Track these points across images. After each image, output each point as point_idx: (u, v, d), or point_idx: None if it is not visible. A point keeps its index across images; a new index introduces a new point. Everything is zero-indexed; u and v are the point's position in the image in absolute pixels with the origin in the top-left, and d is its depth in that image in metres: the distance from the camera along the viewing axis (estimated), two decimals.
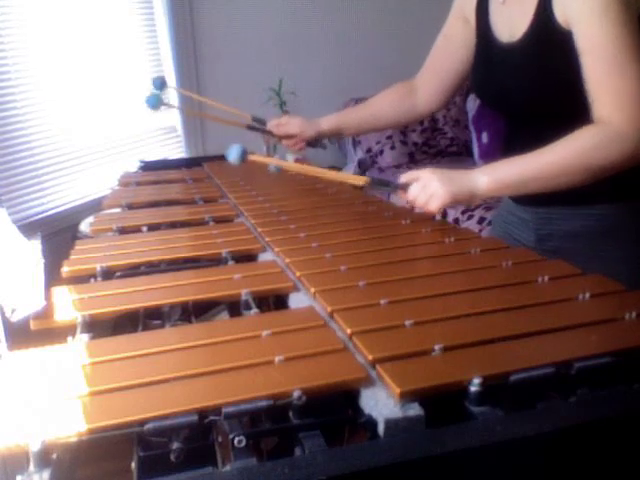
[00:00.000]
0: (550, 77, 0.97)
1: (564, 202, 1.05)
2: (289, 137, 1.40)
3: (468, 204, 0.98)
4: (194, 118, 3.09)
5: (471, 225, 2.34)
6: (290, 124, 1.38)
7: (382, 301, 0.76)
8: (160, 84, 1.53)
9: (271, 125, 1.42)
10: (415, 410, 0.55)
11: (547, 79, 0.97)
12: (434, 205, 0.98)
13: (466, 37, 1.15)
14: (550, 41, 0.95)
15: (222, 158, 1.91)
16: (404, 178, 1.04)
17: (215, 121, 1.67)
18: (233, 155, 1.11)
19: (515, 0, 1.01)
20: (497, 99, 1.10)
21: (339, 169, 3.25)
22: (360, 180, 1.09)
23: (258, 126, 1.46)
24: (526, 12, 0.97)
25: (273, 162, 1.35)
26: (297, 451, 0.55)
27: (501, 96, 1.07)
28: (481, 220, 2.37)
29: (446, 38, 1.20)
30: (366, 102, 1.37)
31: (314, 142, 1.42)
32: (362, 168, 3.25)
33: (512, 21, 1.01)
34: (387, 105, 1.32)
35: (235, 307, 0.84)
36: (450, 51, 1.19)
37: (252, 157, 1.14)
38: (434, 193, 0.97)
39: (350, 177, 1.21)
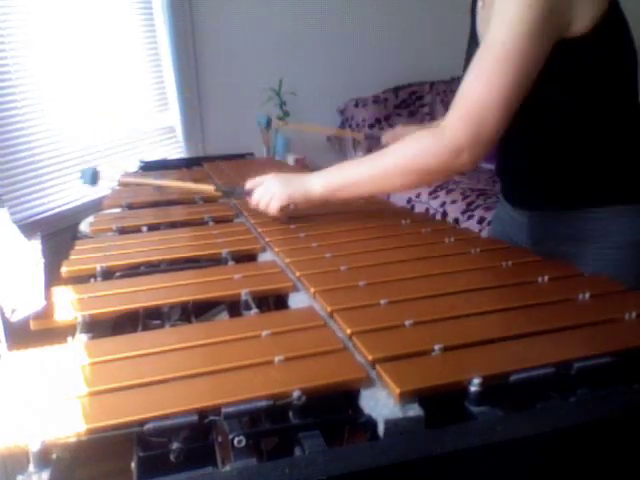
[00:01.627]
0: None
1: (557, 205, 1.05)
2: None
3: (306, 205, 1.06)
4: (193, 117, 3.09)
5: (471, 225, 2.34)
6: (405, 133, 1.31)
7: (382, 301, 0.76)
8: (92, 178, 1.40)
9: (387, 137, 1.39)
10: (415, 410, 0.55)
11: None
12: (274, 206, 1.06)
13: None
14: None
15: (222, 158, 1.93)
16: (249, 184, 1.12)
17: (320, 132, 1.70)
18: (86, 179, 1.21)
19: (490, 4, 0.97)
20: None
21: None
22: (210, 190, 1.22)
23: (374, 141, 1.48)
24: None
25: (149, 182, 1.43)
26: (297, 451, 0.55)
27: None
28: (481, 220, 2.38)
29: None
30: None
31: None
32: None
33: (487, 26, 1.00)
34: None
35: (235, 307, 0.84)
36: None
37: (124, 179, 1.31)
38: (273, 195, 1.05)
39: (201, 187, 1.31)
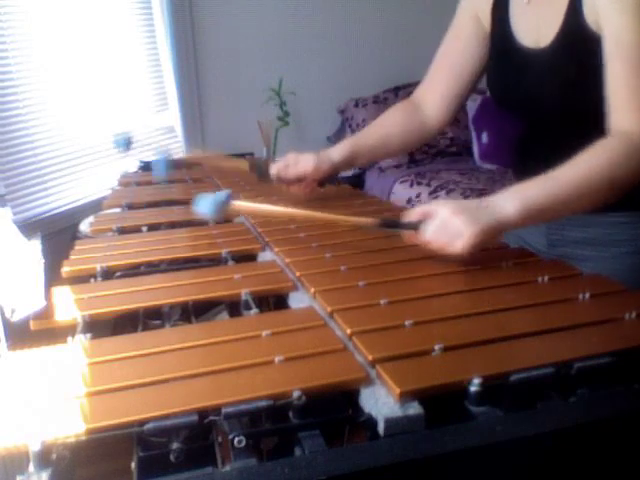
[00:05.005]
0: (580, 84, 0.93)
1: None
2: (299, 179, 1.18)
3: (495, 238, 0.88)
4: (193, 117, 3.09)
5: None
6: (301, 162, 1.16)
7: (382, 301, 0.76)
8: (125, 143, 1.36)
9: (278, 168, 1.18)
10: (415, 409, 0.55)
11: (577, 86, 0.94)
12: (459, 247, 0.81)
13: (480, 37, 1.09)
14: (580, 45, 0.91)
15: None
16: (414, 215, 0.87)
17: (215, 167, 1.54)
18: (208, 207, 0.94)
19: (543, 1, 0.96)
20: (522, 104, 1.05)
21: None
22: (369, 222, 0.94)
23: (263, 179, 1.25)
24: (556, 14, 0.93)
25: (263, 208, 1.05)
26: (297, 451, 0.55)
27: (527, 101, 1.03)
28: None
29: (458, 39, 1.13)
30: (371, 127, 1.23)
31: (325, 179, 1.20)
32: (362, 168, 3.25)
33: (539, 24, 0.97)
34: (397, 127, 1.20)
35: (235, 307, 0.84)
36: (463, 52, 1.12)
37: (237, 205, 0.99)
38: (458, 233, 0.81)
39: (360, 220, 0.97)
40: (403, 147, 1.26)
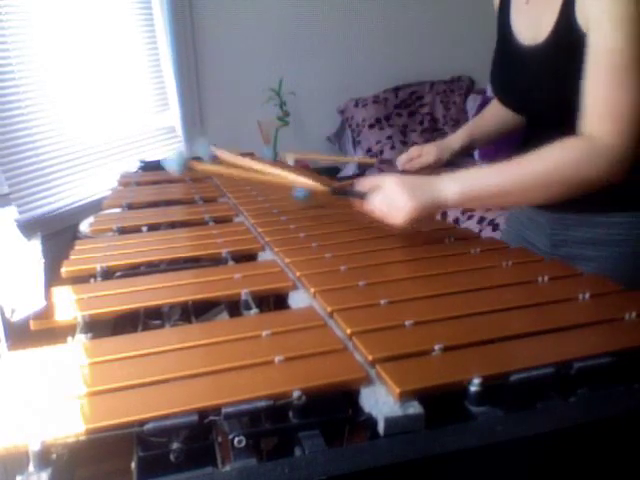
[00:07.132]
0: (570, 82, 0.93)
1: (581, 208, 1.02)
2: (424, 169, 1.25)
3: (432, 216, 0.96)
4: (193, 117, 3.09)
5: (471, 225, 2.34)
6: (425, 154, 1.25)
7: (382, 301, 0.76)
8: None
9: (402, 162, 1.28)
10: (415, 408, 0.55)
11: (567, 84, 0.93)
12: (398, 219, 0.89)
13: None
14: (570, 44, 0.92)
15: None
16: (364, 185, 0.95)
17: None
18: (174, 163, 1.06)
19: (540, 0, 0.97)
20: (518, 102, 1.07)
21: (339, 170, 3.26)
22: (321, 188, 1.04)
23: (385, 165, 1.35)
24: (551, 13, 0.94)
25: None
26: (297, 451, 0.55)
27: (522, 99, 1.04)
28: (481, 220, 2.37)
29: None
30: (488, 111, 1.29)
31: (443, 167, 1.27)
32: (362, 168, 3.25)
33: (537, 22, 0.98)
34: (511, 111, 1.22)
35: (235, 307, 0.84)
36: None
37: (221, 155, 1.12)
38: (398, 206, 0.89)
39: (313, 184, 1.07)
40: (515, 128, 1.29)
